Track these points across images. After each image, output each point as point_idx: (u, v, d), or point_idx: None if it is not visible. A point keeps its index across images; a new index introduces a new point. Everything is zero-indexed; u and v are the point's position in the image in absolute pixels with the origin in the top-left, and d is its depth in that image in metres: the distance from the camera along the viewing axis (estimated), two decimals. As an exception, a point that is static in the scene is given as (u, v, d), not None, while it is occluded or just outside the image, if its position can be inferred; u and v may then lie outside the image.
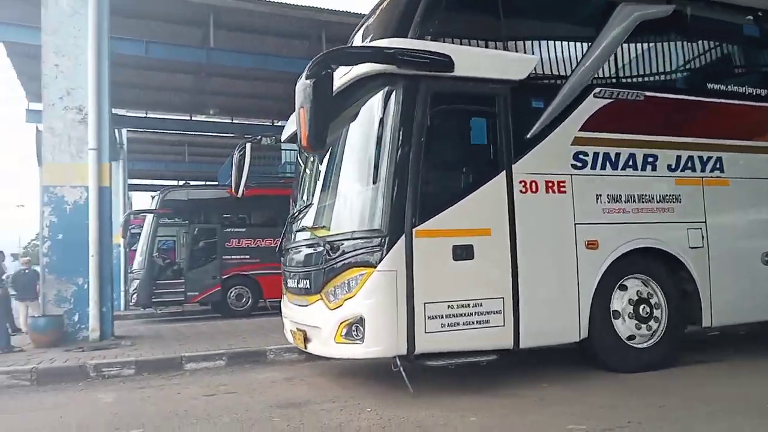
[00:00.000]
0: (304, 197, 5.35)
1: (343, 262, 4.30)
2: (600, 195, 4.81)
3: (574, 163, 4.75)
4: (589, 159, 4.81)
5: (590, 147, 4.81)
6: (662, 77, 5.39)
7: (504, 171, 4.49)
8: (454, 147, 4.61)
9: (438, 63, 4.25)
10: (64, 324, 7.56)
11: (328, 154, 4.90)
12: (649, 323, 4.90)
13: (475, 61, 4.47)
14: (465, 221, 4.34)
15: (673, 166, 5.13)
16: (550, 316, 4.56)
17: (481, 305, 4.30)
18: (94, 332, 7.56)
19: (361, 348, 4.12)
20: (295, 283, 5.06)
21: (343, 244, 4.32)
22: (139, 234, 14.55)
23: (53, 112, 7.83)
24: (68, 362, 5.98)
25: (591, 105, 4.85)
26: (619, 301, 4.84)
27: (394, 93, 4.28)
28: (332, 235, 4.52)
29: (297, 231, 5.26)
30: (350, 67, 4.29)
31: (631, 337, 4.85)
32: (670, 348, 5.00)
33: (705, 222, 5.17)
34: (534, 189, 4.58)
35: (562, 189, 4.68)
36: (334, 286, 4.34)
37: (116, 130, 16.19)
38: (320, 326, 4.50)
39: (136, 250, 14.68)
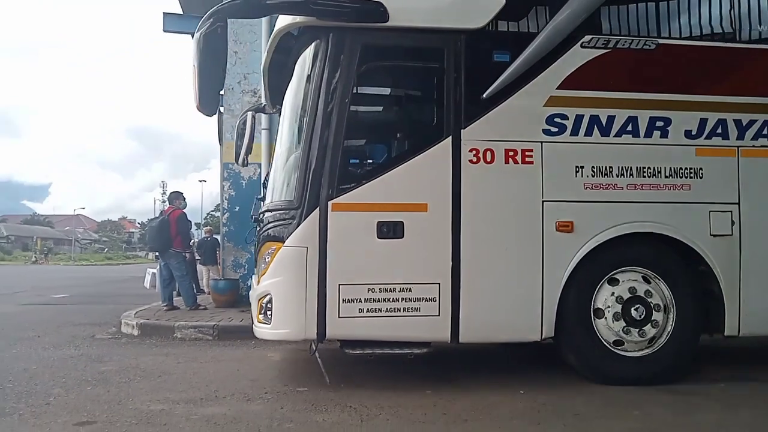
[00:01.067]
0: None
1: (263, 235, 4.02)
2: (581, 167, 3.94)
3: (547, 127, 3.92)
4: (569, 123, 3.94)
5: (571, 108, 3.94)
6: (688, 19, 4.23)
7: (450, 137, 3.83)
8: (388, 109, 4.05)
9: (366, 12, 3.70)
10: (240, 287, 8.28)
11: (281, 119, 4.57)
12: (644, 328, 3.96)
13: (415, 7, 3.83)
14: (395, 194, 3.79)
15: (695, 132, 4.05)
16: (500, 309, 3.86)
17: (410, 290, 3.76)
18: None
19: (269, 329, 3.82)
20: None
21: (265, 215, 4.02)
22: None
23: (232, 95, 8.64)
24: (243, 322, 6.31)
25: (576, 57, 3.95)
26: (604, 298, 3.97)
27: (318, 49, 3.82)
28: (265, 206, 4.23)
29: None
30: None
31: (617, 342, 3.98)
32: (677, 360, 4.03)
33: (738, 203, 4.04)
34: (489, 158, 3.86)
35: (527, 159, 3.90)
36: (258, 261, 4.07)
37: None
38: (252, 303, 4.27)
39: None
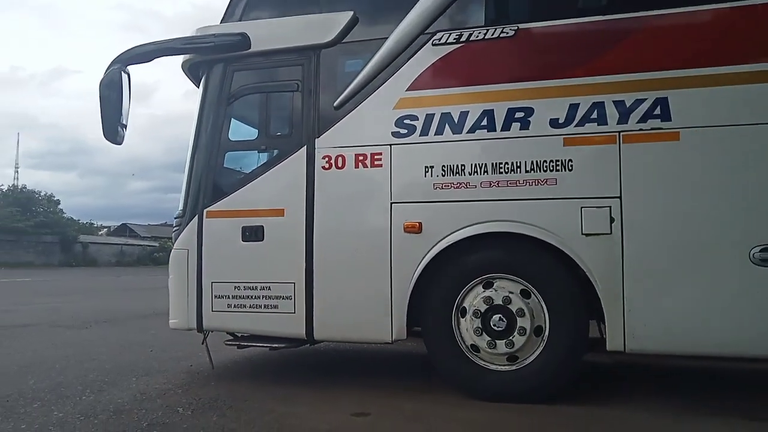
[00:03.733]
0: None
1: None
2: (431, 167, 3.83)
3: (397, 130, 3.92)
4: (419, 123, 3.88)
5: (421, 108, 3.88)
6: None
7: (305, 147, 4.10)
8: (254, 125, 4.41)
9: (231, 42, 4.23)
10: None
11: None
12: (511, 338, 3.65)
13: (271, 32, 4.22)
14: (257, 202, 4.18)
15: (562, 120, 3.63)
16: (350, 309, 3.94)
17: (269, 289, 4.10)
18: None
19: (170, 320, 4.47)
20: None
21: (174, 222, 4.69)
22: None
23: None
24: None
25: (427, 56, 3.90)
26: (463, 303, 3.79)
27: (203, 78, 4.46)
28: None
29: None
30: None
31: (474, 348, 3.74)
32: (551, 376, 3.61)
33: (620, 198, 3.49)
34: (340, 164, 4.02)
35: (377, 162, 3.95)
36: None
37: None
38: None
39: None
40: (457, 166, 3.78)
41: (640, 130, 3.50)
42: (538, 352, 3.62)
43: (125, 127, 4.38)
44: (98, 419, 3.34)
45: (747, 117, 3.32)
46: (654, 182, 3.46)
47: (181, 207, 4.44)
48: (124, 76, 4.34)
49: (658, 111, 3.47)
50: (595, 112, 3.57)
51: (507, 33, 3.76)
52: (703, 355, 3.75)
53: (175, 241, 4.42)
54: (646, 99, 3.49)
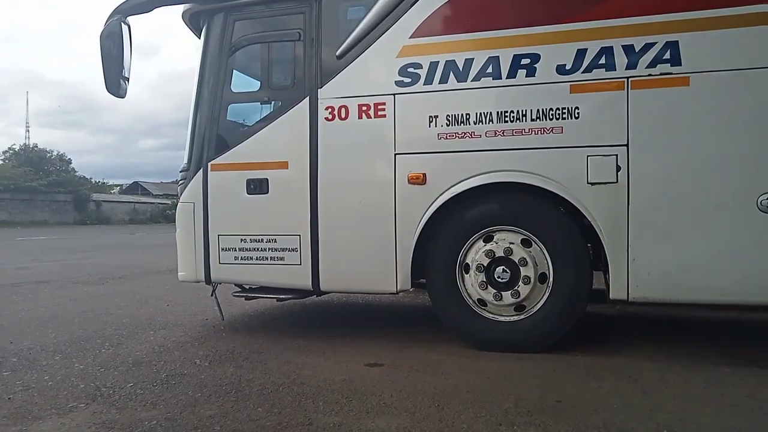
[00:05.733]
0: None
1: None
2: (435, 117, 3.78)
3: (400, 79, 3.85)
4: (423, 72, 3.81)
5: (425, 56, 3.80)
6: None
7: (308, 97, 4.05)
8: (256, 77, 4.36)
9: (233, -9, 4.14)
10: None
11: None
12: (516, 288, 3.68)
13: (272, -21, 4.11)
14: (261, 154, 4.17)
15: (569, 67, 3.54)
16: (355, 260, 3.98)
17: (275, 241, 4.14)
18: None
19: (178, 273, 4.54)
20: None
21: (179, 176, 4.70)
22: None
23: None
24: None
25: (430, 2, 3.79)
26: (465, 259, 3.81)
27: (203, 29, 4.38)
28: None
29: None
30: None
31: (480, 302, 3.78)
32: (558, 323, 3.65)
33: (627, 145, 3.44)
34: (343, 115, 3.98)
35: (380, 113, 3.90)
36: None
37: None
38: None
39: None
40: (462, 115, 3.73)
41: (650, 75, 3.40)
42: (544, 300, 3.66)
43: (128, 80, 4.34)
44: (118, 371, 3.44)
45: (759, 60, 3.22)
46: (662, 130, 3.39)
47: (185, 161, 4.44)
48: (125, 27, 4.27)
49: (668, 55, 3.37)
50: (603, 57, 3.48)
51: (514, -25, 3.63)
52: (706, 303, 3.78)
53: (181, 194, 4.45)
54: (656, 43, 3.39)
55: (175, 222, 4.51)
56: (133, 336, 4.36)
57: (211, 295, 4.50)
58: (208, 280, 4.34)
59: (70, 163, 52.14)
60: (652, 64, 3.40)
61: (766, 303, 3.48)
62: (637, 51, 3.42)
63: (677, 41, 3.35)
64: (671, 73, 3.37)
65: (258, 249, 4.18)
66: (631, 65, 3.43)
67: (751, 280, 3.28)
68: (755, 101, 3.25)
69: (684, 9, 3.35)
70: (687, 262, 3.36)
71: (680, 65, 3.35)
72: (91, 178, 55.79)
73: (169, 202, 55.04)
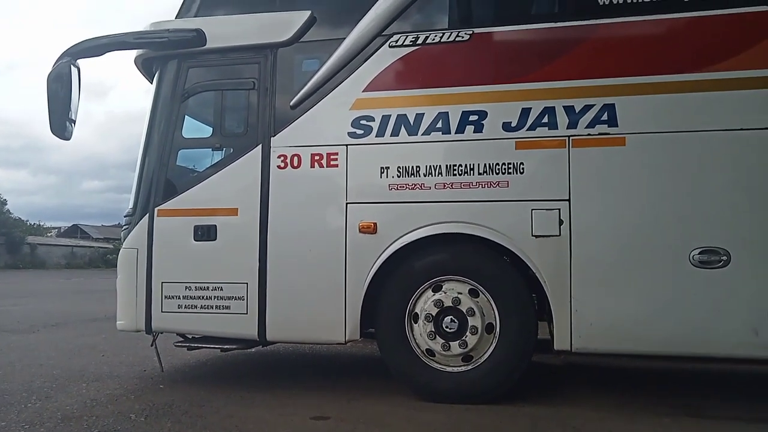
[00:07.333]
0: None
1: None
2: (386, 168, 3.86)
3: (353, 130, 3.93)
4: (375, 124, 3.90)
5: (378, 110, 3.90)
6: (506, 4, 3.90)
7: (260, 145, 4.06)
8: (208, 123, 4.38)
9: (186, 38, 4.16)
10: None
11: None
12: (464, 338, 3.70)
13: (227, 29, 4.18)
14: (210, 200, 4.12)
15: (514, 124, 3.71)
16: (304, 309, 3.93)
17: (221, 289, 4.04)
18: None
19: (117, 321, 4.35)
20: None
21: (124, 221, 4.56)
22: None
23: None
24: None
25: (384, 58, 3.93)
26: (415, 309, 3.82)
27: (157, 74, 4.37)
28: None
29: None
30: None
31: (429, 352, 3.77)
32: (505, 374, 3.66)
33: (569, 200, 3.59)
34: (295, 164, 4.00)
35: (333, 162, 3.94)
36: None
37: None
38: None
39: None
40: (412, 167, 3.82)
41: (589, 135, 3.60)
42: (491, 350, 3.68)
43: (74, 122, 4.23)
44: (45, 427, 3.22)
45: (689, 124, 3.47)
46: (601, 186, 3.57)
47: (131, 205, 4.33)
48: (74, 70, 4.19)
49: (605, 117, 3.59)
50: (546, 116, 3.67)
51: (462, 37, 3.83)
52: (647, 354, 3.90)
53: (125, 240, 4.31)
54: (594, 105, 3.61)
55: (116, 267, 4.35)
56: (63, 389, 4.10)
57: (151, 345, 4.31)
58: (148, 329, 4.16)
59: (5, 204, 49.62)
60: (591, 125, 3.60)
61: (702, 354, 3.62)
62: (577, 112, 3.63)
63: (614, 104, 3.58)
64: (608, 134, 3.58)
65: (203, 297, 4.06)
66: (572, 125, 3.63)
67: (687, 332, 3.43)
68: (686, 161, 3.47)
69: (620, 74, 3.60)
70: (626, 314, 3.49)
71: (617, 126, 3.57)
72: (27, 220, 53.23)
73: (110, 246, 52.95)
